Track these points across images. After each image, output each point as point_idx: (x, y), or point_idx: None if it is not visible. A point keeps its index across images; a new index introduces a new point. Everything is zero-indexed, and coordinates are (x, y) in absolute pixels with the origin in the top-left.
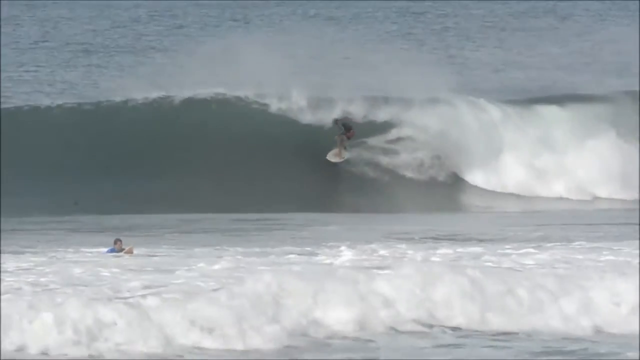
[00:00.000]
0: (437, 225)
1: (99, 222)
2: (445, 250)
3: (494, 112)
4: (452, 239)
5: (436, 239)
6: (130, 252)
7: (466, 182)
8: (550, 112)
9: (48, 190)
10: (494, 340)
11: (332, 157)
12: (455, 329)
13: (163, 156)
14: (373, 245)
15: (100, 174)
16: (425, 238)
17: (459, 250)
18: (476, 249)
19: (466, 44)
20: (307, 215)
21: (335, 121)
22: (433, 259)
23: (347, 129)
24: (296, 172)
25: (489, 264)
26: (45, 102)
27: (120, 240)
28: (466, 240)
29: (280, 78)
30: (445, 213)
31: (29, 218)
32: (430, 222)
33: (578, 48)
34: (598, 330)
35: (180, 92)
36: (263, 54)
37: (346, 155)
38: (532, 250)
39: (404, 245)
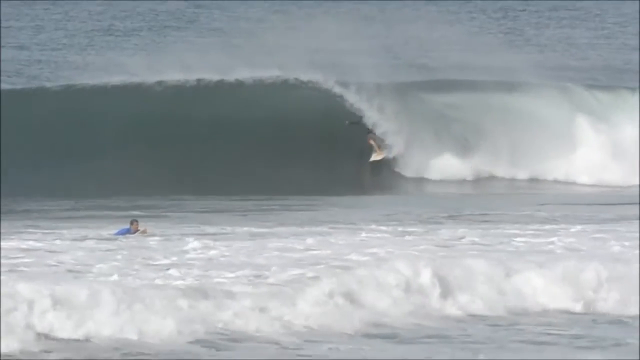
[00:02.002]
0: (448, 206)
1: (102, 203)
2: (443, 231)
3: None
4: (455, 218)
5: (433, 219)
6: (144, 232)
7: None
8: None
9: (49, 173)
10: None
11: (375, 157)
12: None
13: (169, 138)
14: (373, 226)
15: (104, 155)
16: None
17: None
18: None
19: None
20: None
21: (354, 123)
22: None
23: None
24: (309, 156)
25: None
26: (53, 82)
27: (137, 221)
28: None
29: (297, 60)
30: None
31: (30, 200)
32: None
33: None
34: (597, 315)
35: (193, 75)
36: (280, 34)
37: (385, 152)
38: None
39: (385, 227)
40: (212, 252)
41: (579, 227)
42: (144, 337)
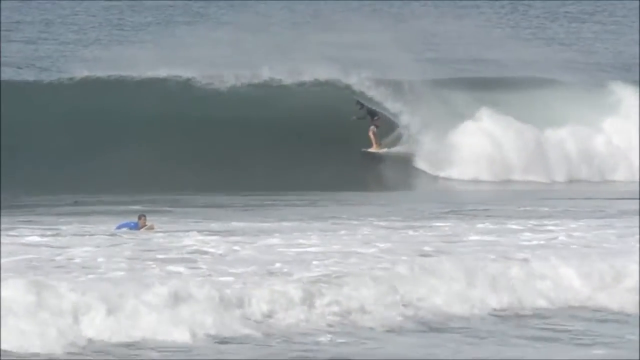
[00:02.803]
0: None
1: (104, 199)
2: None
3: None
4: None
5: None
6: (151, 228)
7: None
8: None
9: (50, 167)
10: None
11: (373, 149)
12: None
13: (170, 134)
14: (375, 222)
15: (106, 150)
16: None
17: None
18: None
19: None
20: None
21: (361, 105)
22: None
23: (372, 116)
24: (312, 153)
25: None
26: (55, 76)
27: (145, 216)
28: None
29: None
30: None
31: (31, 195)
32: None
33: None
34: (598, 311)
35: (197, 71)
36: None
37: (384, 148)
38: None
39: (388, 223)
40: (223, 248)
41: (581, 222)
42: (168, 337)
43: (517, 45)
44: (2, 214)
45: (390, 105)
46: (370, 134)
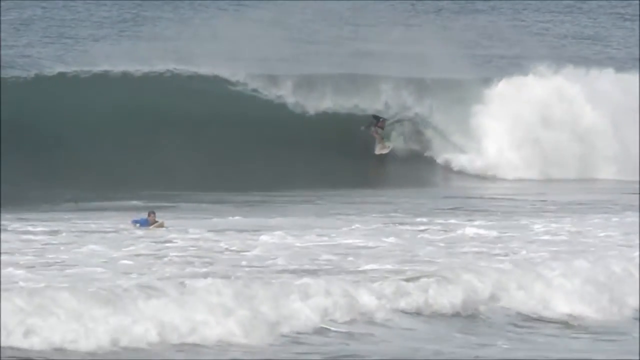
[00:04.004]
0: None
1: (106, 195)
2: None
3: None
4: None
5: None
6: (161, 226)
7: None
8: None
9: (52, 164)
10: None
11: (379, 150)
12: None
13: (173, 131)
14: (381, 218)
15: (108, 147)
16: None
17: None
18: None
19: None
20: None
21: (368, 128)
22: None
23: (377, 119)
24: (314, 151)
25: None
26: (57, 71)
27: (154, 213)
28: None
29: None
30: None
31: (33, 191)
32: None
33: None
34: (598, 309)
35: (201, 69)
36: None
37: (390, 145)
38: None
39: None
40: (238, 245)
41: (585, 219)
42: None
43: (530, 41)
44: (3, 210)
45: (407, 102)
46: (374, 134)
